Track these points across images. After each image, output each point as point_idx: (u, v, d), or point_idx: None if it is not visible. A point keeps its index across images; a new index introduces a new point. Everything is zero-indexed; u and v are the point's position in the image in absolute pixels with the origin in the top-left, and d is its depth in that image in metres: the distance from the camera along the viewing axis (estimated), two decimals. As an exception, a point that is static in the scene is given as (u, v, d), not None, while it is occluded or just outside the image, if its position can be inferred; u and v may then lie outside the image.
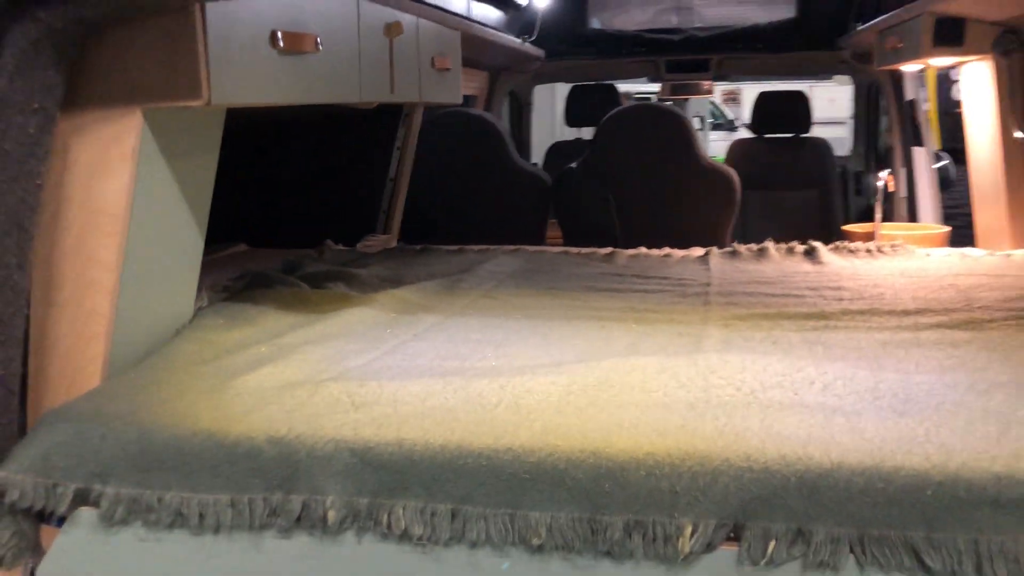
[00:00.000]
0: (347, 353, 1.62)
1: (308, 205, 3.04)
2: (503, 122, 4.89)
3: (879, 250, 2.61)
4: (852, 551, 1.10)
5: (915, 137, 4.30)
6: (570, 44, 4.54)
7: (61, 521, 1.30)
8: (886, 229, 3.24)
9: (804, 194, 4.92)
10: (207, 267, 1.84)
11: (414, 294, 2.10)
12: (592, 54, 4.63)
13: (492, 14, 3.82)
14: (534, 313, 1.94)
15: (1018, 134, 2.54)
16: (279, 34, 1.63)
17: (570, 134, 5.47)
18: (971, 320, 1.80)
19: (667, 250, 2.70)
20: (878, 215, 3.23)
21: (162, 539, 1.26)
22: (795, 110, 4.81)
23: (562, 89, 5.87)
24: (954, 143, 4.46)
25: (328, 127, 2.96)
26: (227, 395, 1.39)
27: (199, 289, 1.83)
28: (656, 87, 7.17)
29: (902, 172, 4.23)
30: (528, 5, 4.27)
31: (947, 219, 4.24)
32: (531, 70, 4.60)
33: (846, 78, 7.33)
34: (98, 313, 1.51)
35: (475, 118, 3.56)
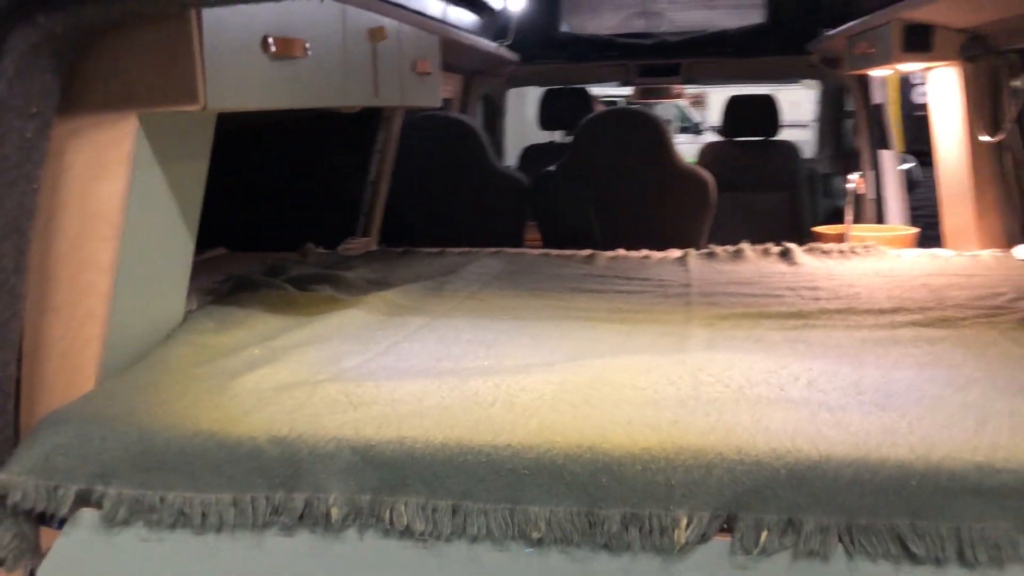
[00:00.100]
0: (341, 354, 1.64)
1: (287, 208, 3.05)
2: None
3: (852, 251, 2.68)
4: (841, 540, 1.15)
5: (882, 140, 4.39)
6: (544, 48, 4.58)
7: (61, 523, 1.31)
8: (856, 230, 3.31)
9: (774, 196, 4.99)
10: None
11: (401, 296, 2.13)
12: (565, 58, 4.67)
13: (467, 18, 3.85)
14: (521, 314, 1.97)
15: (984, 137, 2.61)
16: (270, 39, 1.65)
17: (538, 137, 5.50)
18: (945, 318, 1.86)
19: (645, 252, 2.74)
20: (849, 217, 3.31)
21: (164, 539, 1.28)
22: (764, 114, 4.88)
23: (532, 93, 5.91)
24: (917, 146, 4.56)
25: (308, 130, 2.98)
26: (225, 396, 1.40)
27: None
28: (624, 91, 7.25)
29: (870, 174, 4.32)
30: (503, 9, 4.31)
31: (912, 220, 4.34)
32: (505, 74, 4.63)
33: (811, 83, 7.47)
34: (93, 316, 1.52)
35: (454, 121, 3.59)
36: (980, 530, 1.12)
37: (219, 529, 1.27)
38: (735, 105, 4.88)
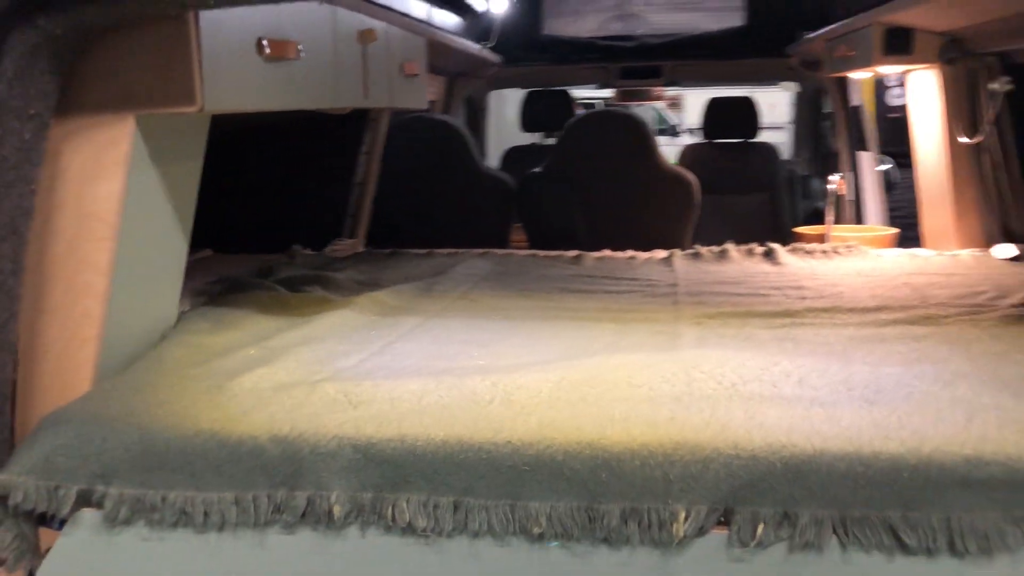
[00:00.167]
0: (336, 354, 1.65)
1: (273, 210, 3.05)
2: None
3: (834, 251, 2.72)
4: (835, 532, 1.18)
5: (860, 142, 4.45)
6: (526, 50, 4.60)
7: (60, 524, 1.32)
8: (837, 231, 3.36)
9: (754, 198, 5.04)
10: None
11: (392, 297, 2.14)
12: (548, 60, 4.70)
13: (451, 20, 3.86)
14: (513, 314, 1.99)
15: (963, 139, 2.66)
16: (264, 41, 1.66)
17: (517, 139, 5.52)
18: (928, 316, 1.90)
19: (631, 252, 2.77)
20: (830, 218, 3.35)
21: (165, 538, 1.29)
22: (744, 116, 4.93)
23: (511, 95, 5.92)
24: (891, 147, 4.63)
25: (293, 132, 2.98)
26: (224, 396, 1.41)
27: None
28: (601, 93, 7.29)
29: (849, 176, 4.38)
30: (485, 11, 4.33)
31: (890, 221, 4.40)
32: (488, 75, 4.65)
33: (786, 85, 7.55)
34: (90, 317, 1.53)
35: (440, 123, 3.61)
36: (970, 521, 1.15)
37: (221, 528, 1.27)
38: (715, 107, 4.92)
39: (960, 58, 2.63)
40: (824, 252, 2.70)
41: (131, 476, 1.29)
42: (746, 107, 4.90)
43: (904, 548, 1.16)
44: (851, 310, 1.97)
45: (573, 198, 3.49)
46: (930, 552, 1.16)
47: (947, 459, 1.18)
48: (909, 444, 1.20)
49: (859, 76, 3.57)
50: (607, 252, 2.78)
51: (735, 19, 4.74)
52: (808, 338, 1.75)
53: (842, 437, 1.23)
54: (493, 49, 4.32)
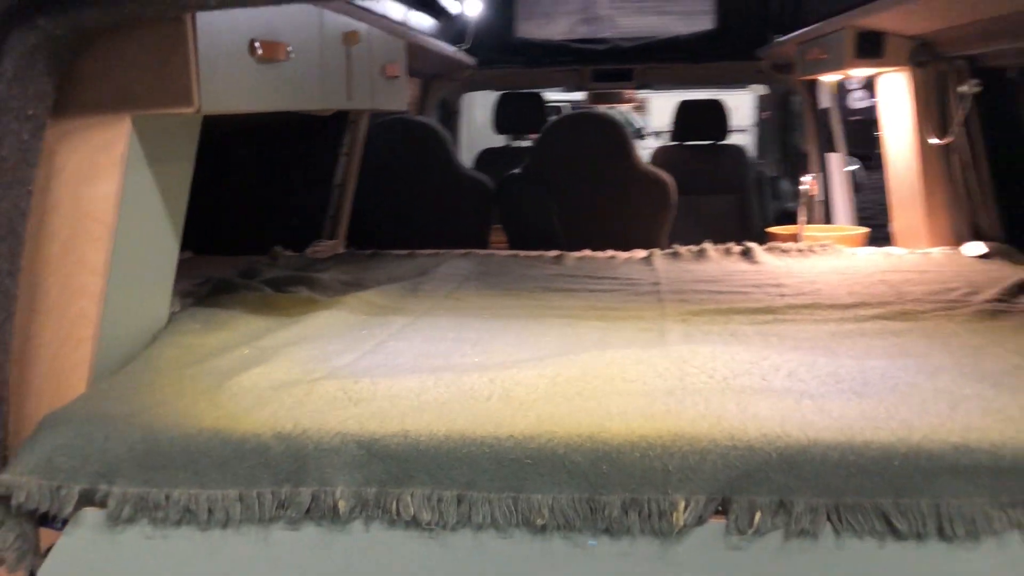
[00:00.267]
0: (330, 353, 1.66)
1: (253, 212, 3.05)
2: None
3: (810, 249, 2.77)
4: (829, 519, 1.21)
5: (829, 143, 4.53)
6: (500, 52, 4.63)
7: (60, 524, 1.32)
8: (809, 231, 3.42)
9: (724, 199, 5.10)
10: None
11: (379, 297, 2.15)
12: (521, 63, 4.73)
13: (426, 22, 3.88)
14: (500, 312, 2.01)
15: (933, 140, 2.73)
16: (257, 43, 1.67)
17: (488, 142, 5.54)
18: (905, 312, 1.95)
19: (611, 252, 2.81)
20: (802, 218, 3.41)
21: (169, 536, 1.30)
22: (713, 118, 4.99)
23: (479, 98, 5.94)
24: (854, 149, 4.73)
25: (274, 133, 2.99)
26: (224, 395, 1.42)
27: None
28: (568, 96, 7.34)
29: (818, 176, 4.45)
30: (460, 14, 4.36)
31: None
32: (462, 78, 4.67)
33: (755, 88, 7.66)
34: (85, 318, 1.53)
35: (419, 124, 3.62)
36: (958, 506, 1.20)
37: (225, 525, 1.28)
38: (685, 110, 4.98)
39: (930, 61, 2.69)
40: (800, 251, 2.76)
41: (134, 475, 1.29)
42: (716, 110, 4.97)
43: (895, 534, 1.20)
44: (831, 306, 2.02)
45: (552, 199, 3.52)
46: (920, 537, 1.20)
47: (935, 447, 1.22)
48: (899, 433, 1.25)
49: (830, 79, 3.64)
50: (587, 252, 2.82)
51: (705, 22, 4.81)
52: (792, 334, 1.80)
53: (834, 428, 1.27)
54: (467, 52, 4.34)
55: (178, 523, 1.29)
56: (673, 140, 5.11)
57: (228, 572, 1.30)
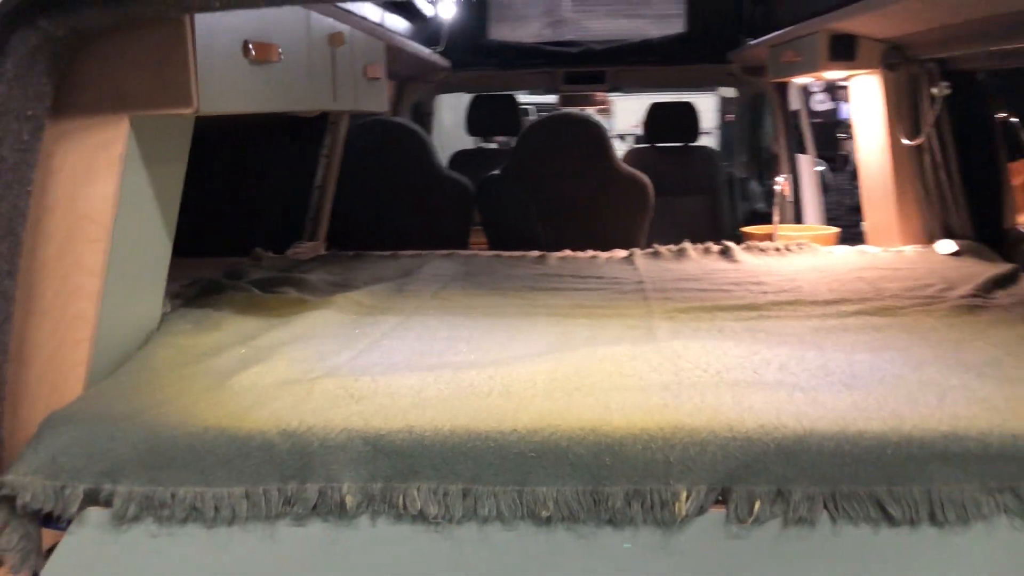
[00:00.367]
0: (326, 352, 1.68)
1: (233, 213, 3.04)
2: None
3: (787, 248, 2.82)
4: (826, 507, 1.25)
5: (799, 144, 4.61)
6: (473, 55, 4.65)
7: (64, 524, 1.32)
8: (782, 231, 3.48)
9: (695, 199, 5.16)
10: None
11: (367, 297, 2.17)
12: (494, 65, 4.75)
13: (402, 24, 3.90)
14: (490, 312, 2.04)
15: (905, 141, 2.80)
16: (250, 44, 1.68)
17: (457, 144, 5.56)
18: (885, 307, 2.00)
19: (592, 252, 2.84)
20: (776, 218, 3.47)
21: (174, 534, 1.30)
22: (684, 120, 5.05)
23: (447, 100, 5.97)
24: (817, 150, 4.81)
25: (254, 135, 2.98)
26: (226, 394, 1.43)
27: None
28: (535, 98, 7.38)
29: (788, 177, 4.52)
30: (434, 16, 4.37)
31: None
32: (436, 80, 4.68)
33: (715, 91, 7.76)
34: (82, 319, 1.53)
35: (399, 125, 3.63)
36: (948, 493, 1.24)
37: (231, 522, 1.29)
38: (657, 112, 5.03)
39: (901, 64, 2.76)
40: (777, 249, 2.81)
41: (139, 474, 1.30)
42: (687, 112, 5.02)
43: (889, 520, 1.24)
44: (813, 303, 2.06)
45: (532, 200, 3.55)
46: (913, 523, 1.24)
47: (926, 436, 1.26)
48: (890, 423, 1.29)
49: (802, 81, 3.71)
50: (568, 252, 2.84)
51: (676, 26, 4.87)
52: (778, 329, 1.84)
53: (828, 418, 1.31)
54: (441, 54, 4.37)
55: (183, 521, 1.30)
56: (645, 142, 5.16)
57: (234, 569, 1.31)
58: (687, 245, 2.82)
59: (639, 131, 8.16)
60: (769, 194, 5.26)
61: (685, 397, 1.39)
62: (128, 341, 1.69)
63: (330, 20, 2.28)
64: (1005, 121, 2.81)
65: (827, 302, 2.07)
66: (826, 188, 4.95)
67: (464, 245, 3.61)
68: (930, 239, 2.84)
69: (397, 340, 1.79)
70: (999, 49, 2.33)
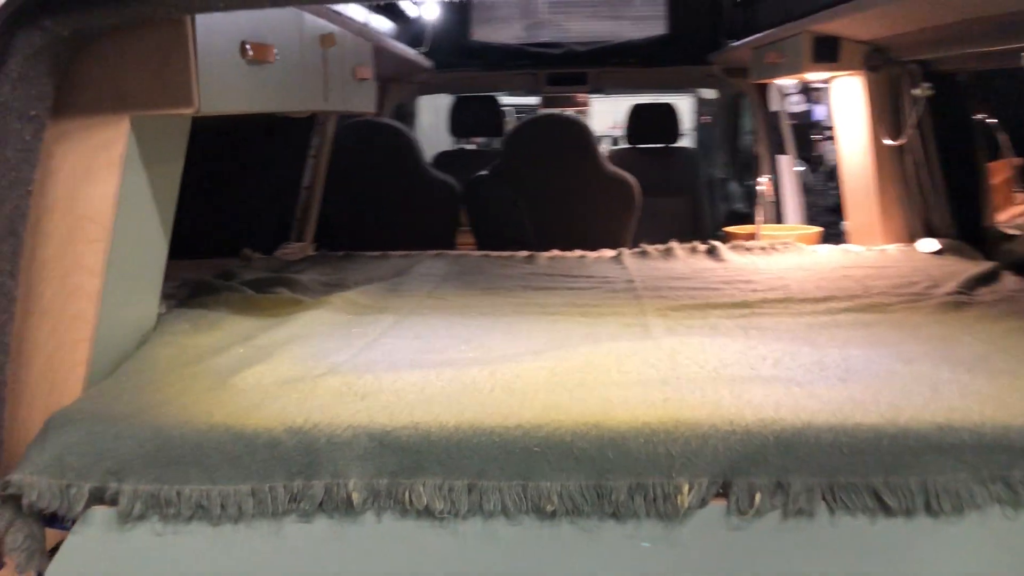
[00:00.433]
0: (326, 351, 1.69)
1: (221, 214, 3.04)
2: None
3: (772, 247, 2.86)
4: (824, 498, 1.28)
5: (779, 145, 4.66)
6: (456, 56, 4.67)
7: (69, 523, 1.32)
8: (765, 230, 3.52)
9: (676, 200, 5.20)
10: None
11: (362, 297, 2.18)
12: (477, 66, 4.77)
13: (386, 25, 3.91)
14: (485, 310, 2.05)
15: (887, 141, 2.84)
16: (247, 45, 1.69)
17: (432, 145, 5.57)
18: (873, 304, 2.04)
19: (581, 252, 2.86)
20: (760, 217, 3.51)
21: (179, 532, 1.31)
22: (665, 122, 5.09)
23: (426, 101, 5.98)
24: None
25: (241, 136, 2.98)
26: (230, 392, 1.44)
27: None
28: (517, 100, 7.41)
29: (770, 178, 4.57)
30: (418, 17, 4.39)
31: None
32: (419, 81, 4.69)
33: (692, 93, 7.83)
34: (82, 319, 1.53)
35: (386, 126, 3.64)
36: (943, 483, 1.27)
37: (237, 520, 1.30)
38: (638, 113, 5.07)
39: (883, 65, 2.80)
40: (763, 248, 2.84)
41: (145, 472, 1.30)
42: (668, 113, 5.06)
43: (886, 510, 1.27)
44: (803, 300, 2.10)
45: (519, 200, 3.57)
46: (909, 513, 1.27)
47: (921, 428, 1.29)
48: (886, 416, 1.32)
49: (785, 82, 3.75)
50: (557, 252, 2.87)
51: (658, 28, 4.90)
52: (770, 326, 1.87)
53: (825, 412, 1.33)
54: (424, 55, 4.38)
55: (189, 519, 1.30)
56: (627, 143, 5.20)
57: (240, 566, 1.32)
58: (674, 244, 2.85)
59: (615, 132, 8.23)
60: (749, 194, 5.31)
61: (685, 392, 1.42)
62: (127, 341, 1.69)
63: (321, 21, 2.29)
64: (983, 122, 2.86)
65: (816, 300, 2.11)
66: (806, 189, 5.01)
67: (451, 245, 3.62)
68: (912, 238, 2.89)
69: (396, 339, 1.80)
70: (979, 51, 2.38)
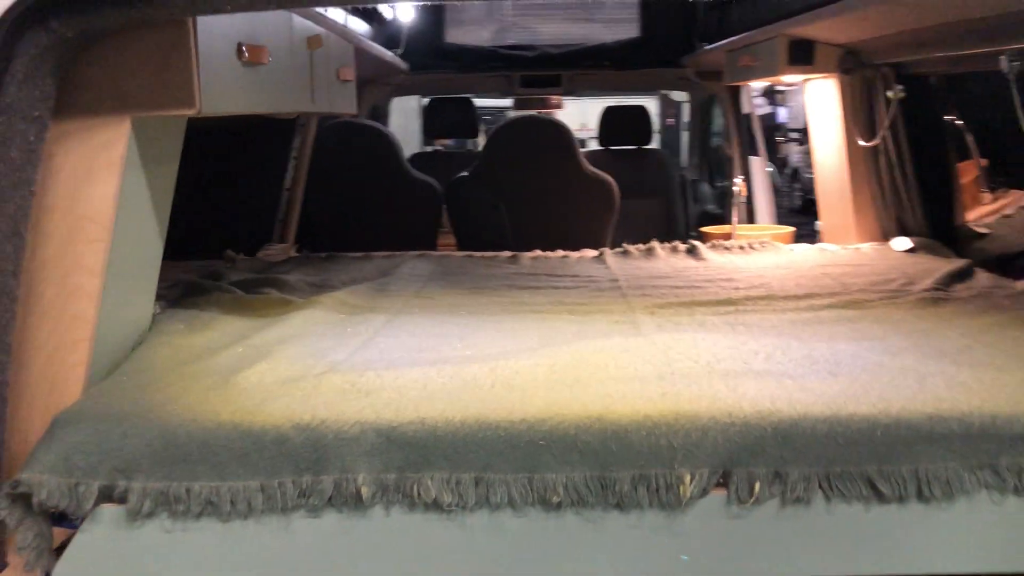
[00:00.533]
0: (323, 350, 1.70)
1: (203, 216, 3.03)
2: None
3: (750, 246, 2.92)
4: (820, 486, 1.32)
5: (751, 147, 4.74)
6: (431, 58, 4.69)
7: (78, 521, 1.33)
8: (740, 230, 3.58)
9: (649, 201, 5.25)
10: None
11: (351, 297, 2.19)
12: (452, 68, 4.79)
13: (363, 27, 3.92)
14: (474, 309, 2.08)
15: (861, 142, 2.91)
16: (243, 46, 1.70)
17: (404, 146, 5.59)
18: (854, 301, 2.09)
19: (562, 252, 2.90)
20: (735, 218, 3.57)
21: (188, 529, 1.32)
22: (637, 124, 5.14)
23: (396, 103, 5.99)
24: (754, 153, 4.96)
25: (222, 137, 2.97)
26: (234, 391, 1.45)
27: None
28: (491, 102, 7.44)
29: (744, 179, 4.63)
30: (393, 19, 4.40)
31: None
32: (395, 82, 4.71)
33: (658, 95, 7.91)
34: (82, 319, 1.53)
35: (367, 127, 3.65)
36: (934, 470, 1.32)
37: (246, 516, 1.32)
38: (611, 115, 5.11)
39: (857, 68, 2.87)
40: (741, 248, 2.90)
41: (154, 470, 1.32)
42: (640, 115, 5.12)
43: (880, 497, 1.32)
44: (785, 298, 2.15)
45: (500, 201, 3.60)
46: (901, 499, 1.32)
47: (912, 418, 1.34)
48: (878, 407, 1.36)
49: (760, 85, 3.82)
50: (539, 252, 2.90)
51: (630, 31, 4.96)
52: (756, 322, 1.91)
53: (820, 403, 1.38)
54: (400, 56, 4.39)
55: (199, 516, 1.32)
56: (599, 145, 5.24)
57: (250, 561, 1.33)
58: (655, 244, 2.89)
59: (583, 135, 8.29)
60: (720, 196, 5.38)
61: (681, 386, 1.45)
62: (125, 341, 1.69)
63: (309, 23, 2.30)
64: (952, 123, 2.94)
65: (798, 297, 2.16)
66: (776, 189, 5.10)
67: (432, 246, 3.64)
68: (885, 237, 2.96)
69: (390, 338, 1.82)
70: (951, 55, 2.45)
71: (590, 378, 1.50)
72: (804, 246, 2.99)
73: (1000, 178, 2.95)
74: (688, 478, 1.31)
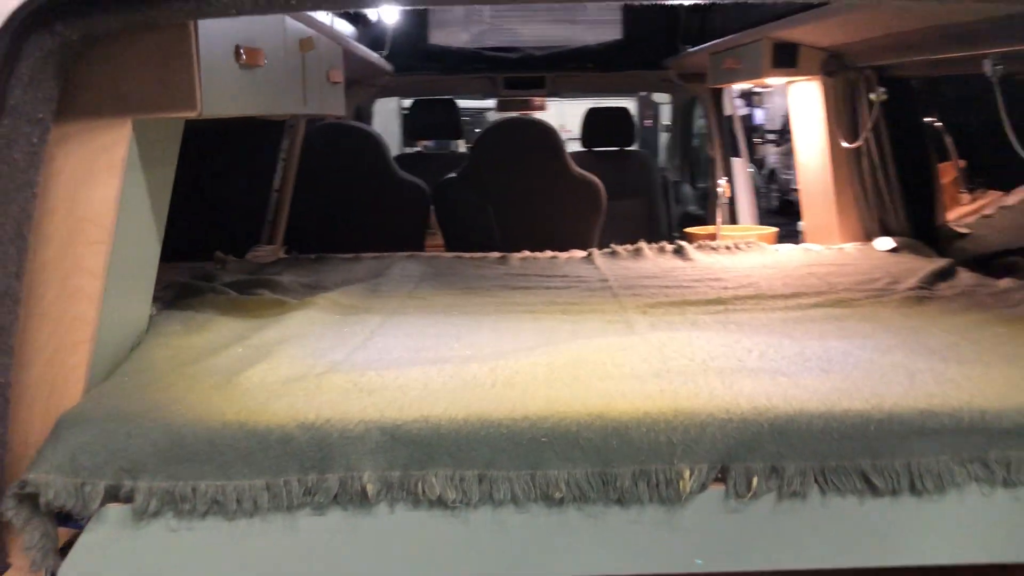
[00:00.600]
0: (322, 350, 1.71)
1: (191, 217, 3.02)
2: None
3: (736, 247, 2.95)
4: (816, 481, 1.35)
5: (733, 149, 4.79)
6: (415, 59, 4.70)
7: (84, 521, 1.34)
8: (724, 231, 3.62)
9: (631, 202, 5.29)
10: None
11: (344, 297, 2.20)
12: (436, 70, 4.81)
13: (348, 29, 3.93)
14: (468, 309, 2.10)
15: (844, 144, 2.96)
16: (241, 49, 1.71)
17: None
18: (841, 300, 2.13)
19: (551, 252, 2.92)
20: (720, 218, 3.62)
21: (194, 528, 1.33)
22: (620, 125, 5.18)
23: (377, 105, 6.00)
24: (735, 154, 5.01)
25: (211, 138, 2.97)
26: (237, 390, 1.46)
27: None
28: (473, 103, 7.46)
29: (727, 180, 4.68)
30: (377, 21, 4.41)
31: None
32: (379, 84, 4.72)
33: (634, 96, 7.94)
34: (82, 320, 1.54)
35: (356, 129, 3.66)
36: (926, 464, 1.35)
37: (252, 514, 1.33)
38: (594, 117, 5.14)
39: (840, 71, 2.92)
40: (728, 248, 2.93)
41: (159, 469, 1.33)
42: (623, 117, 5.15)
43: (874, 491, 1.35)
44: (773, 297, 2.18)
45: (488, 202, 3.62)
46: (895, 493, 1.35)
47: (904, 413, 1.38)
48: (871, 403, 1.40)
49: (742, 87, 3.86)
50: (527, 253, 2.92)
51: (613, 33, 5.00)
52: (747, 321, 1.94)
53: (814, 399, 1.41)
54: (385, 58, 4.40)
55: (204, 515, 1.33)
56: (582, 147, 5.27)
57: (256, 560, 1.35)
58: (643, 244, 2.92)
59: (562, 136, 8.32)
60: (702, 197, 5.43)
61: (679, 383, 1.48)
62: (124, 343, 1.70)
63: (301, 25, 2.31)
64: (931, 125, 3.00)
65: (786, 296, 2.19)
66: (757, 190, 5.14)
67: (420, 247, 3.66)
68: (868, 237, 3.00)
69: (388, 337, 1.84)
70: (930, 59, 2.50)
71: (588, 376, 1.52)
72: (789, 246, 3.03)
73: (978, 179, 3.02)
74: (687, 473, 1.34)
